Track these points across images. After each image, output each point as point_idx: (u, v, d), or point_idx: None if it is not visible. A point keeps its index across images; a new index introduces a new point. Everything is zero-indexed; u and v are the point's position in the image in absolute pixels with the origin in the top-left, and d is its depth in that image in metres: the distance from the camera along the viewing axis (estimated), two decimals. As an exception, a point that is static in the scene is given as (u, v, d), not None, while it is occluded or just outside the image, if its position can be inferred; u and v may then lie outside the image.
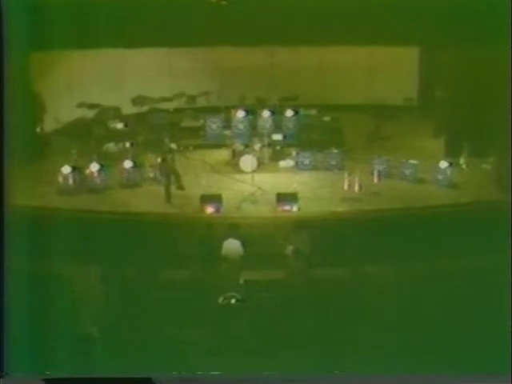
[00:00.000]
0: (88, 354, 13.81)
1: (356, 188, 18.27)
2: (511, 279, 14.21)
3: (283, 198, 17.44)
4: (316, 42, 20.68)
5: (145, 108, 21.23)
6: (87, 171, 18.24)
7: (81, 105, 20.30)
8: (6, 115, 14.06)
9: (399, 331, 14.10)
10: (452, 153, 19.21)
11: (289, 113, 20.68)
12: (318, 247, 15.84)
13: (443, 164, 18.46)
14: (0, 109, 14.01)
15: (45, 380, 13.43)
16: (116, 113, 20.80)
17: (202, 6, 19.90)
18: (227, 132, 20.36)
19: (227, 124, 20.61)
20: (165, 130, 20.36)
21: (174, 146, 19.40)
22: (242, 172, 19.05)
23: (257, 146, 19.63)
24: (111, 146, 19.67)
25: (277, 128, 20.54)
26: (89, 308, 14.92)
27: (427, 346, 13.73)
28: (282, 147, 20.02)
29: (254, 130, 20.43)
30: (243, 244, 15.83)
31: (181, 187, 18.29)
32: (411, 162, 18.79)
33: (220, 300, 14.70)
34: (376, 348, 13.78)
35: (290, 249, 15.64)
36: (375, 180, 18.73)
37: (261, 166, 19.33)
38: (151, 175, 18.86)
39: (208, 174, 19.11)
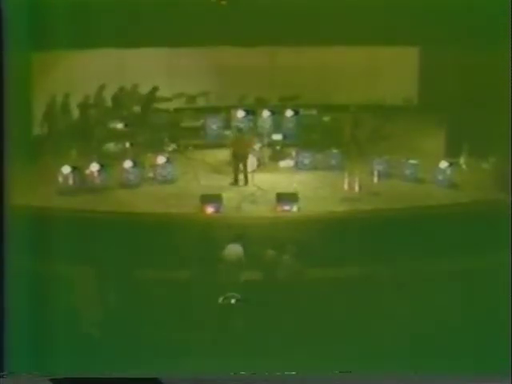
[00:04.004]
0: (88, 354, 13.82)
1: (356, 188, 18.27)
2: (511, 279, 14.23)
3: (283, 197, 17.43)
4: (316, 42, 20.70)
5: (145, 108, 21.22)
6: (87, 171, 18.24)
7: (81, 105, 20.32)
8: (6, 115, 14.07)
9: (399, 331, 14.12)
10: (452, 153, 19.23)
11: (289, 113, 20.71)
12: (318, 247, 15.84)
13: (443, 164, 18.47)
14: (0, 109, 14.02)
15: (46, 380, 13.43)
16: (116, 112, 20.81)
17: (201, 6, 19.92)
18: (227, 132, 20.36)
19: (227, 124, 20.61)
20: (165, 130, 20.39)
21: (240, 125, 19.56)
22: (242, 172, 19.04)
23: (257, 146, 19.64)
24: (111, 146, 19.68)
25: (277, 128, 20.57)
26: (89, 308, 14.92)
27: (427, 346, 13.74)
28: (281, 147, 20.04)
29: (253, 130, 20.44)
30: (244, 248, 15.80)
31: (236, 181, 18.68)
32: (411, 161, 18.80)
33: (220, 300, 14.70)
34: (376, 348, 13.80)
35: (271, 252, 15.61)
36: (375, 180, 18.73)
37: (261, 165, 19.34)
38: (151, 175, 18.88)
39: (208, 173, 19.13)
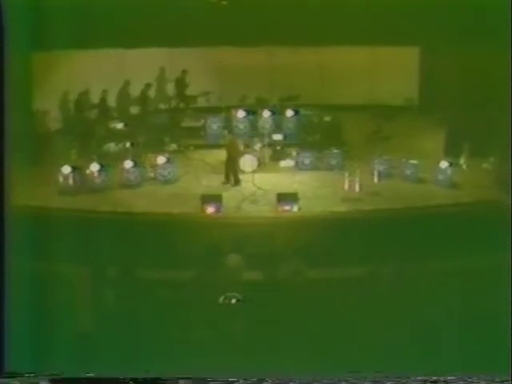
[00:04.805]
0: (88, 353, 13.82)
1: (356, 188, 18.28)
2: (511, 279, 14.23)
3: (283, 197, 17.44)
4: (316, 42, 20.70)
5: (145, 108, 21.24)
6: (87, 171, 18.26)
7: (81, 105, 20.33)
8: (6, 115, 14.07)
9: (399, 331, 14.12)
10: (452, 153, 19.22)
11: (289, 113, 20.69)
12: (318, 247, 15.84)
13: (443, 164, 18.48)
14: (1, 109, 14.02)
15: (46, 380, 13.44)
16: (116, 113, 20.82)
17: (202, 6, 19.91)
18: (227, 132, 20.35)
19: (227, 124, 20.61)
20: (165, 130, 20.39)
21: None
22: (243, 172, 19.05)
23: (257, 146, 19.65)
24: (111, 146, 19.68)
25: (277, 128, 20.57)
26: (89, 308, 14.93)
27: (427, 346, 13.74)
28: (282, 147, 20.02)
29: (254, 130, 20.44)
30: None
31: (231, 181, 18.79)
32: (411, 161, 18.81)
33: (220, 300, 14.71)
34: (376, 348, 13.79)
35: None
36: (375, 180, 18.74)
37: (261, 165, 19.34)
38: (151, 175, 18.89)
39: (208, 173, 19.13)
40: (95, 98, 20.50)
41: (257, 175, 18.84)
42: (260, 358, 13.56)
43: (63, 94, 20.15)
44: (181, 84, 21.59)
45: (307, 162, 19.53)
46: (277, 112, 20.72)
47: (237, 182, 18.68)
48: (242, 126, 20.43)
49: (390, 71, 21.56)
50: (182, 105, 21.60)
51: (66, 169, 18.01)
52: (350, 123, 20.61)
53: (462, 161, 19.17)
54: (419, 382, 13.11)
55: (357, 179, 18.34)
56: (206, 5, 19.93)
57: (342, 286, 15.06)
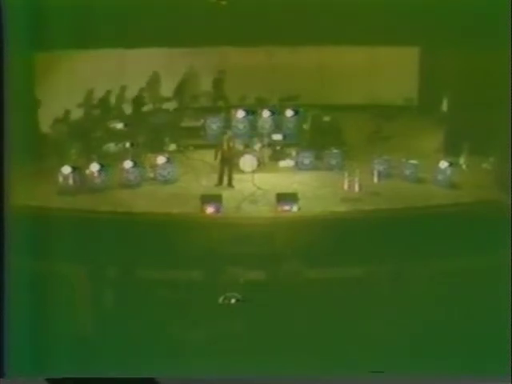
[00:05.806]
0: (88, 353, 13.82)
1: (356, 188, 18.28)
2: (511, 279, 14.24)
3: (283, 197, 17.44)
4: (316, 41, 20.68)
5: (145, 108, 21.23)
6: (87, 171, 18.25)
7: (81, 105, 20.33)
8: (6, 115, 14.08)
9: (399, 331, 14.12)
10: (452, 153, 19.23)
11: (289, 113, 20.67)
12: (318, 247, 15.85)
13: (443, 164, 18.47)
14: (0, 109, 14.02)
15: (45, 380, 13.43)
16: (116, 113, 20.81)
17: (201, 6, 19.91)
18: (227, 132, 20.32)
19: (227, 124, 20.59)
20: (165, 130, 20.39)
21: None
22: (242, 172, 19.05)
23: (257, 146, 19.65)
24: (111, 146, 19.67)
25: (277, 128, 20.53)
26: (88, 308, 14.93)
27: (427, 347, 13.75)
28: (282, 147, 20.01)
29: (254, 130, 20.43)
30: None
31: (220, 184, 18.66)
32: (411, 161, 18.81)
33: (220, 300, 14.71)
34: (376, 348, 13.80)
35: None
36: (375, 180, 18.74)
37: (261, 165, 19.34)
38: (151, 175, 18.88)
39: (208, 174, 19.13)
40: (95, 98, 20.49)
41: (256, 175, 18.84)
42: (260, 358, 13.58)
43: (63, 94, 20.12)
44: (180, 84, 21.60)
45: (307, 162, 19.53)
46: (276, 112, 20.69)
47: (230, 183, 18.60)
48: (241, 126, 20.41)
49: (390, 71, 21.53)
50: (181, 105, 21.58)
51: (66, 169, 18.01)
52: (350, 123, 20.59)
53: (461, 161, 19.16)
54: (419, 382, 13.11)
55: (357, 179, 18.34)
56: (205, 5, 19.93)
57: (341, 286, 15.07)
